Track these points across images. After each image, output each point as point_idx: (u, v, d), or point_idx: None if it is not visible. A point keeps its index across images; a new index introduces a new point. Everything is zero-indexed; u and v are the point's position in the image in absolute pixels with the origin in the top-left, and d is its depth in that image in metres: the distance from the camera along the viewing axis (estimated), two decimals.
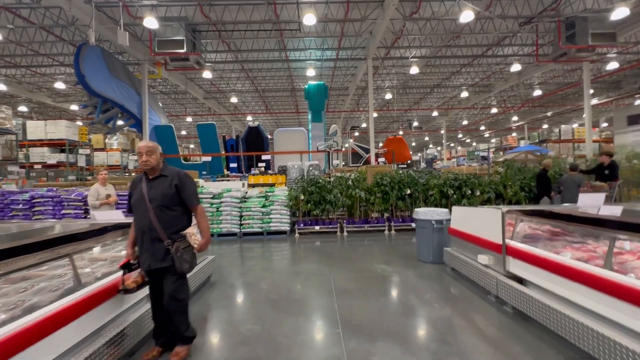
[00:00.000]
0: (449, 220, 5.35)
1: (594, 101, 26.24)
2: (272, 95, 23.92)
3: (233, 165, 17.56)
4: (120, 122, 16.57)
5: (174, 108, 26.14)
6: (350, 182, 8.42)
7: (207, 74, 17.16)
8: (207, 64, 16.99)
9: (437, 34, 15.09)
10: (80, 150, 17.16)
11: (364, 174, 8.37)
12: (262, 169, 13.39)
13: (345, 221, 8.31)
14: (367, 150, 17.37)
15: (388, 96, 22.65)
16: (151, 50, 13.34)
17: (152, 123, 16.85)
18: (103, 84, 13.88)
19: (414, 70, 17.64)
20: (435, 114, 28.22)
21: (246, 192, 8.62)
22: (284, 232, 8.20)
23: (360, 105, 27.23)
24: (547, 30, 15.42)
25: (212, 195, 8.11)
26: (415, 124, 32.26)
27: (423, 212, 5.58)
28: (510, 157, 13.44)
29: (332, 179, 8.47)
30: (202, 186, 9.74)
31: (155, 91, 22.04)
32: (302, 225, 8.19)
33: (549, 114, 30.08)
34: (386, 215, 8.44)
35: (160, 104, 19.49)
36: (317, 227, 8.14)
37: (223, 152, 17.90)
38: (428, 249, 5.51)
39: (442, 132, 33.08)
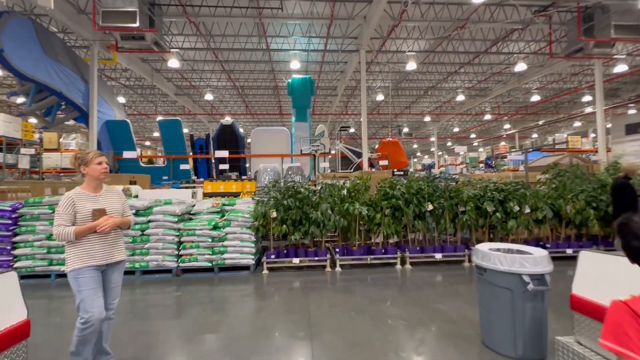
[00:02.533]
0: (544, 274, 2.62)
1: (589, 109, 24.65)
2: (252, 94, 21.04)
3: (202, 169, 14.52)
4: (61, 115, 13.31)
5: (142, 105, 22.82)
6: (344, 191, 5.62)
7: (173, 63, 14.14)
8: (172, 49, 14.00)
9: (441, 20, 12.69)
10: (23, 150, 13.65)
11: (365, 182, 5.58)
12: (234, 175, 10.42)
13: (337, 250, 5.48)
14: (359, 155, 14.69)
15: (379, 97, 20.17)
16: (94, 24, 10.25)
17: (102, 117, 13.64)
18: (32, 64, 10.63)
19: (411, 65, 15.18)
20: (427, 119, 25.98)
21: (193, 206, 5.67)
22: (245, 268, 5.29)
23: (349, 108, 24.69)
24: (563, 21, 13.27)
25: (134, 211, 5.12)
26: (405, 130, 29.97)
27: (498, 257, 2.79)
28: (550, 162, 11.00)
29: (318, 188, 5.63)
30: (135, 195, 6.72)
31: (117, 84, 18.78)
32: (273, 256, 5.29)
33: (540, 122, 28.44)
34: (394, 240, 5.69)
35: (116, 97, 16.23)
36: (295, 260, 5.27)
37: (190, 154, 14.83)
38: (510, 332, 2.72)
39: (433, 139, 30.95)
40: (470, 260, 5.55)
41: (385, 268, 5.40)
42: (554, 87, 21.22)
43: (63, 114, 13.32)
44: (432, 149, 37.71)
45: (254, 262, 5.22)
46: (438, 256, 5.45)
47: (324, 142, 14.76)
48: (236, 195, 7.07)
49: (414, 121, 29.76)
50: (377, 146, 16.46)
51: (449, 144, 36.24)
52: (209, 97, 19.20)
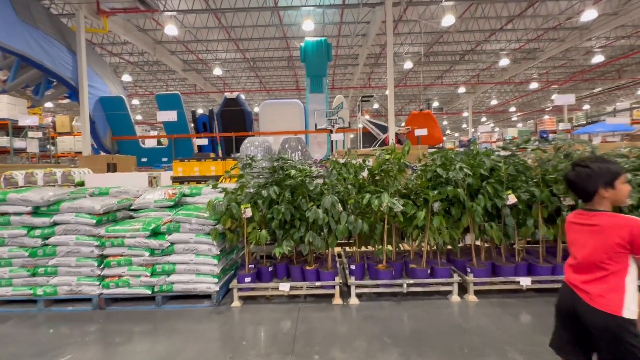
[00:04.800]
0: None
1: None
2: (265, 67, 18.76)
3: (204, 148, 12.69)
4: (49, 91, 11.81)
5: (152, 84, 21.26)
6: (364, 174, 3.40)
7: (171, 30, 12.13)
8: (167, 12, 11.95)
9: None
10: (30, 134, 12.40)
11: (400, 159, 3.26)
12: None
13: (353, 267, 3.32)
14: (384, 129, 12.22)
15: (407, 65, 17.20)
16: None
17: (96, 93, 11.99)
18: (4, 32, 8.94)
19: (448, 20, 12.20)
20: (461, 90, 22.59)
21: (137, 196, 3.70)
22: (204, 297, 3.27)
23: (373, 80, 21.83)
24: None
25: (30, 208, 3.19)
26: (435, 104, 26.64)
27: None
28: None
29: (324, 172, 3.40)
30: (80, 182, 4.89)
31: (121, 61, 17.17)
32: (248, 279, 3.21)
33: (596, 90, 24.12)
34: (443, 253, 3.42)
35: (122, 75, 14.58)
36: (284, 286, 3.16)
37: (192, 133, 13.00)
38: None
39: (465, 114, 27.43)
40: None
41: (432, 300, 3.20)
42: (623, 44, 17.19)
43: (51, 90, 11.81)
44: (464, 126, 33.97)
45: (218, 289, 3.18)
46: (524, 282, 3.15)
47: (343, 116, 12.39)
48: (216, 179, 5.03)
49: (445, 94, 26.32)
50: (406, 120, 13.81)
51: (483, 119, 32.34)
52: (218, 71, 17.18)
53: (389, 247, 3.51)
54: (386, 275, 3.19)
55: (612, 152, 3.34)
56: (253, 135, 12.12)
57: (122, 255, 3.17)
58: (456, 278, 3.16)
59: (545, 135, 14.66)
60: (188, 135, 12.46)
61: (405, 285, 3.17)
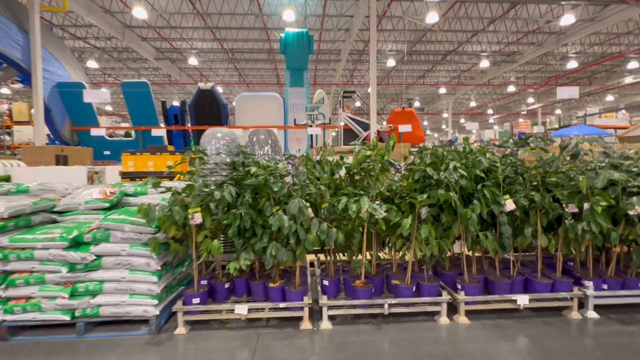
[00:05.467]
0: None
1: (628, 80, 21.04)
2: (244, 59, 17.87)
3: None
4: None
5: (122, 73, 19.85)
6: (341, 173, 2.85)
7: (140, 13, 11.14)
8: None
9: None
10: None
11: (382, 156, 2.73)
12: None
13: (326, 283, 2.77)
14: (366, 127, 11.78)
15: (390, 63, 16.88)
16: None
17: (52, 78, 10.82)
18: None
19: (432, 17, 11.91)
20: (442, 90, 22.60)
21: (65, 195, 2.98)
22: (142, 322, 2.62)
23: (355, 77, 21.41)
24: None
25: None
26: (417, 104, 26.64)
27: None
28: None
29: (294, 171, 2.80)
30: (6, 177, 4.07)
31: (87, 46, 15.80)
32: (197, 300, 2.59)
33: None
34: (429, 266, 2.92)
35: (73, 55, 13.29)
36: (241, 309, 2.57)
37: (162, 125, 12.05)
38: None
39: (445, 115, 27.61)
40: (581, 308, 2.83)
41: (417, 323, 2.70)
42: (596, 51, 17.63)
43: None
44: (444, 127, 34.31)
45: (158, 312, 2.54)
46: (522, 301, 2.71)
47: (324, 112, 11.84)
48: (171, 177, 4.36)
49: (426, 94, 26.33)
50: (388, 118, 13.44)
51: (462, 120, 32.76)
52: (193, 61, 16.16)
53: (369, 254, 3.00)
54: (364, 294, 2.66)
55: (619, 154, 2.96)
56: (227, 129, 11.31)
57: (31, 272, 2.47)
58: (445, 297, 2.68)
59: (522, 137, 14.72)
60: (157, 127, 11.50)
61: (386, 306, 2.65)
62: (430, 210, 2.69)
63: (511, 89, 22.42)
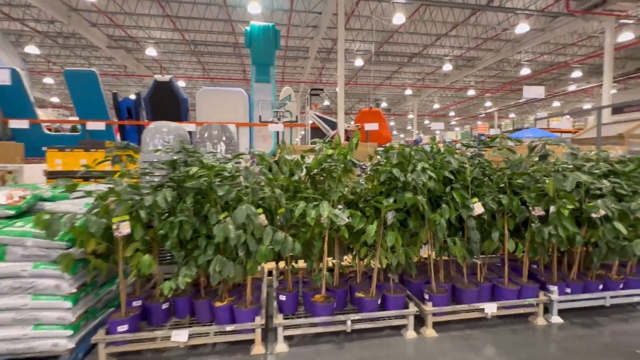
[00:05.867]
0: None
1: (572, 88, 22.84)
2: (208, 52, 16.93)
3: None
4: None
5: (70, 61, 18.01)
6: (300, 175, 2.52)
7: None
8: None
9: None
10: None
11: (345, 156, 2.44)
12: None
13: (281, 296, 2.44)
14: (333, 126, 11.57)
15: (358, 63, 16.86)
16: None
17: None
18: None
19: (399, 18, 11.98)
20: (408, 92, 23.09)
21: None
22: (52, 358, 2.11)
23: (324, 76, 21.20)
24: None
25: None
26: (384, 104, 27.05)
27: None
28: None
29: (243, 172, 2.41)
30: None
31: (24, 29, 14.06)
32: (125, 326, 2.14)
33: (521, 100, 26.52)
34: (395, 275, 2.68)
35: (26, 45, 11.80)
36: (179, 336, 2.16)
37: (114, 119, 10.98)
38: None
39: (411, 116, 28.35)
40: (546, 312, 2.75)
41: (383, 339, 2.45)
42: (545, 60, 18.87)
43: None
44: (409, 127, 35.25)
45: (74, 345, 2.05)
46: (489, 309, 2.56)
47: (291, 109, 11.45)
48: (101, 176, 3.74)
49: (393, 95, 26.81)
50: (355, 117, 13.34)
51: (427, 122, 33.86)
52: (151, 52, 15.00)
53: (332, 261, 2.71)
54: (325, 311, 2.36)
55: (582, 156, 2.92)
56: (187, 125, 10.59)
57: None
58: (412, 309, 2.45)
59: (483, 138, 15.37)
60: (108, 121, 10.44)
61: (349, 323, 2.37)
62: (397, 215, 2.45)
63: (471, 92, 23.44)
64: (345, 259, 2.97)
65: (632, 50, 17.21)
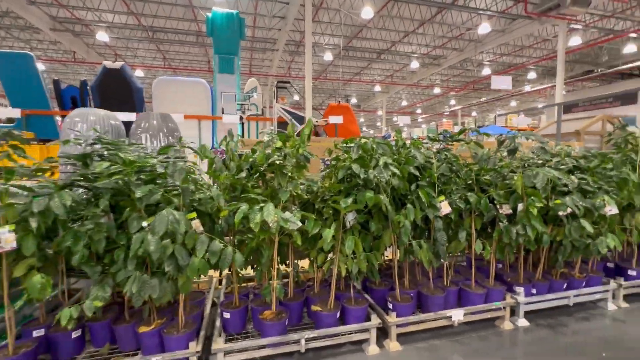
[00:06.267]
0: None
1: (527, 88, 24.16)
2: (168, 40, 15.76)
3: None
4: None
5: (6, 44, 15.99)
6: (246, 171, 2.14)
7: None
8: None
9: None
10: None
11: (297, 145, 2.10)
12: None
13: (225, 313, 2.07)
14: (302, 120, 11.17)
15: (327, 57, 16.53)
16: None
17: None
18: None
19: (367, 12, 11.79)
20: (377, 88, 23.19)
21: None
22: None
23: (293, 70, 20.66)
24: None
25: None
26: (354, 100, 27.04)
27: None
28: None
29: (169, 168, 1.98)
30: None
31: None
32: None
33: (482, 99, 27.69)
34: (355, 278, 2.39)
35: None
36: None
37: (56, 109, 9.82)
38: None
39: (380, 112, 28.63)
40: (512, 315, 2.61)
41: (342, 356, 2.16)
42: (504, 61, 19.70)
43: None
44: (378, 124, 35.68)
45: None
46: (456, 316, 2.36)
47: (256, 102, 10.89)
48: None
49: (362, 91, 26.86)
50: (324, 112, 13.01)
51: (395, 119, 34.42)
52: (103, 37, 13.64)
53: (286, 268, 2.37)
54: (275, 329, 2.02)
55: (549, 151, 2.80)
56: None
57: None
58: (374, 322, 2.18)
59: (448, 135, 15.74)
60: (49, 112, 9.30)
61: (303, 342, 2.05)
62: (358, 217, 2.15)
63: (437, 90, 24.04)
64: (302, 267, 2.64)
65: (580, 55, 18.44)
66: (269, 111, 12.65)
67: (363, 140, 2.23)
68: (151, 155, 1.98)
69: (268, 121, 11.25)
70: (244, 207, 1.81)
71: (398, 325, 2.25)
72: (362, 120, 35.98)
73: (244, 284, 2.81)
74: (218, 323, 2.13)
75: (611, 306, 2.80)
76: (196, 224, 1.85)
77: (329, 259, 2.26)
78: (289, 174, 2.01)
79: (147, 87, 12.88)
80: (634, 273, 2.91)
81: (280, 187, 2.01)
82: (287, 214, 1.86)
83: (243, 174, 2.22)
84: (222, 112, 10.03)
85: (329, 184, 2.18)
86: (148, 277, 1.73)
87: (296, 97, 25.64)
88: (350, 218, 2.14)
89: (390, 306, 2.31)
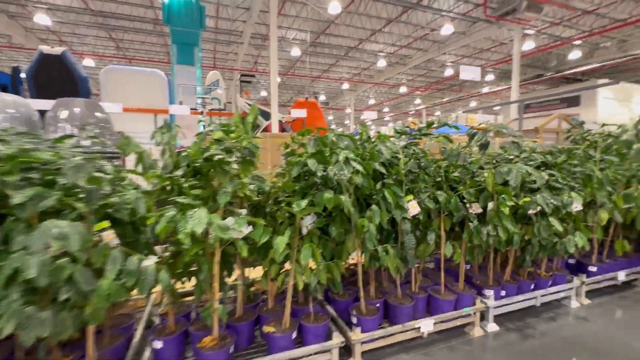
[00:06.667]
0: None
1: (485, 90, 25.41)
2: (122, 27, 14.45)
3: None
4: None
5: None
6: (182, 170, 1.74)
7: None
8: None
9: None
10: None
11: (242, 135, 1.74)
12: None
13: (157, 343, 1.68)
14: (268, 116, 10.71)
15: (295, 52, 16.11)
16: None
17: None
18: None
19: (334, 7, 11.57)
20: (345, 86, 23.15)
21: None
22: None
23: (260, 64, 19.97)
24: None
25: None
26: (322, 98, 26.84)
27: None
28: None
29: (67, 164, 1.54)
30: None
31: None
32: None
33: (445, 99, 28.73)
34: (314, 292, 2.10)
35: None
36: None
37: None
38: None
39: (348, 110, 28.70)
40: (482, 319, 2.45)
41: None
42: (465, 63, 20.48)
43: None
44: (347, 122, 35.85)
45: None
46: (426, 327, 2.15)
47: (218, 96, 10.25)
48: None
49: (331, 89, 26.74)
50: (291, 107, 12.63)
51: (363, 116, 34.78)
52: (43, 19, 12.14)
53: (233, 281, 2.02)
54: (219, 356, 1.66)
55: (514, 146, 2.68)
56: None
57: None
58: (337, 340, 1.90)
59: (412, 132, 16.03)
60: None
61: None
62: (317, 221, 1.85)
63: (403, 90, 24.51)
64: (254, 278, 2.29)
65: (532, 59, 19.64)
66: (238, 107, 12.01)
67: (322, 138, 1.92)
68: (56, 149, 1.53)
69: (231, 116, 10.62)
70: (169, 213, 1.43)
71: (363, 342, 1.99)
72: (330, 117, 35.93)
73: (188, 298, 2.42)
74: (147, 354, 1.73)
75: (574, 304, 2.76)
76: (108, 236, 1.44)
77: (283, 270, 1.93)
78: (232, 172, 1.65)
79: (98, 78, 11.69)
80: (594, 269, 2.91)
81: (221, 186, 1.64)
82: (228, 221, 1.50)
83: (179, 172, 1.82)
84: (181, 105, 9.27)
85: (283, 183, 1.85)
86: (36, 309, 1.29)
87: (263, 93, 24.93)
88: (309, 222, 1.83)
89: (354, 320, 2.04)
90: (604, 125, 3.03)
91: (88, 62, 16.22)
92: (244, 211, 1.78)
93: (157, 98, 9.51)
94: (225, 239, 1.60)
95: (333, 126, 39.75)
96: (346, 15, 13.99)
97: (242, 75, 10.98)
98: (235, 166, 1.66)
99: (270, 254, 1.76)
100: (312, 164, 1.68)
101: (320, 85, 25.59)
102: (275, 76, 9.86)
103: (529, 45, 15.39)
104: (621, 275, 2.95)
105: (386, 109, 32.21)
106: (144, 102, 9.38)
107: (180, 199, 1.48)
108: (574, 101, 15.27)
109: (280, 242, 1.65)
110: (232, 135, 1.71)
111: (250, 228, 1.63)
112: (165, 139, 1.95)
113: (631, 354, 2.14)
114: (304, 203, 1.63)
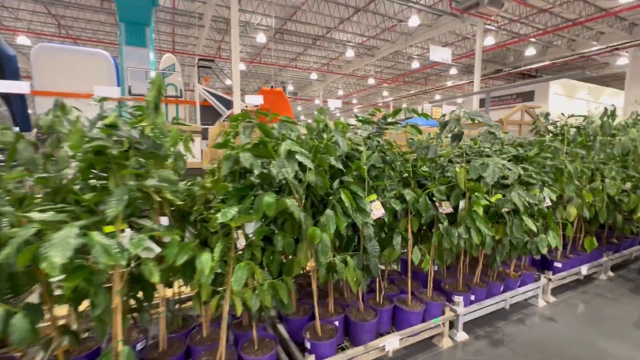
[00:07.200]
0: None
1: (449, 83, 26.11)
2: (62, 3, 12.73)
3: None
4: None
5: None
6: (76, 169, 1.26)
7: None
8: None
9: None
10: None
11: (147, 123, 1.30)
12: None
13: None
14: (229, 104, 9.99)
15: (261, 39, 15.27)
16: None
17: None
18: None
19: None
20: (313, 76, 22.63)
21: None
22: None
23: (224, 51, 18.81)
24: None
25: None
26: (290, 88, 26.10)
27: None
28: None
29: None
30: None
31: None
32: None
33: (412, 91, 29.20)
34: (257, 317, 1.74)
35: None
36: None
37: None
38: None
39: (317, 101, 28.24)
40: (451, 327, 2.22)
41: None
42: (426, 56, 20.77)
43: None
44: (316, 113, 35.42)
45: None
46: (391, 345, 1.86)
47: (174, 82, 9.36)
48: None
49: (299, 79, 26.06)
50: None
51: (332, 108, 34.48)
52: None
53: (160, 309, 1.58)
54: None
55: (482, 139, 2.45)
56: (20, 95, 7.57)
57: None
58: None
59: (380, 123, 16.00)
60: None
61: None
62: (259, 230, 1.45)
63: (371, 81, 24.46)
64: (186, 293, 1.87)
65: (491, 55, 20.35)
66: (182, 91, 11.06)
67: (265, 127, 1.51)
68: None
69: (190, 104, 9.79)
70: (24, 232, 0.96)
71: None
72: (299, 109, 35.28)
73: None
74: None
75: (541, 302, 2.64)
76: None
77: (219, 291, 1.53)
78: (130, 168, 1.20)
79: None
80: (559, 265, 2.81)
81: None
82: (122, 238, 1.06)
83: (69, 171, 1.33)
84: (129, 92, 8.34)
85: (212, 183, 1.43)
86: None
87: (228, 82, 23.68)
88: (250, 231, 1.43)
89: (308, 345, 1.69)
90: (571, 116, 2.91)
91: (23, 39, 14.25)
92: (164, 220, 1.35)
93: (102, 82, 8.45)
94: (129, 260, 1.16)
95: (302, 117, 39.10)
96: (313, 2, 13.42)
97: (200, 59, 10.10)
98: (135, 161, 1.21)
99: (196, 276, 1.35)
100: (245, 158, 1.27)
101: (288, 74, 24.82)
102: (237, 62, 9.17)
103: (489, 40, 15.84)
104: (584, 270, 2.89)
105: (355, 101, 32.15)
106: (87, 86, 8.29)
107: (36, 215, 1.02)
108: (528, 96, 16.04)
109: (206, 260, 1.25)
110: (136, 120, 1.25)
111: (153, 250, 1.21)
112: (56, 125, 1.44)
113: (597, 357, 2.01)
114: (233, 210, 1.22)
